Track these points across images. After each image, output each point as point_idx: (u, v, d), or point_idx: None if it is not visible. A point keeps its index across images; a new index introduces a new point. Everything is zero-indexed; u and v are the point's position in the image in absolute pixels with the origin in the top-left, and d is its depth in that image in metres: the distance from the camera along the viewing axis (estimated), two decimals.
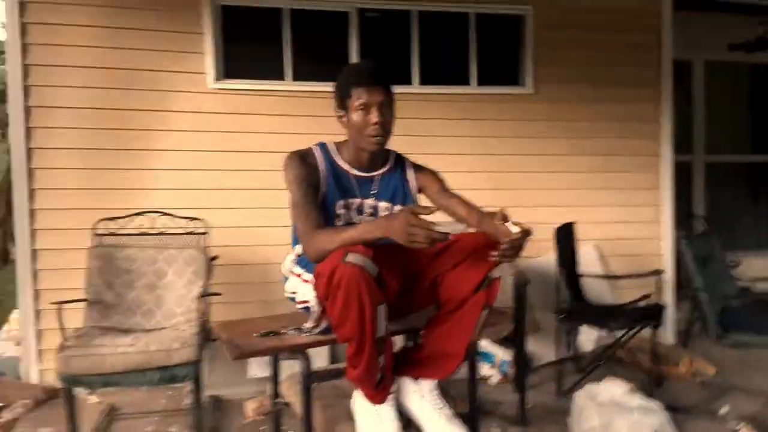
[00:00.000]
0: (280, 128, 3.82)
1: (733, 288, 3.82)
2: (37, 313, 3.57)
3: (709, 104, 5.35)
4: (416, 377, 2.01)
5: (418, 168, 2.25)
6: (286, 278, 2.15)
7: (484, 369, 3.76)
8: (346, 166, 2.11)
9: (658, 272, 3.60)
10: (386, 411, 1.93)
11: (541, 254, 3.98)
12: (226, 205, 3.75)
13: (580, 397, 2.87)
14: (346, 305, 1.72)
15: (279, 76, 3.89)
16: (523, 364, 3.19)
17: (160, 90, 3.74)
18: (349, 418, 2.00)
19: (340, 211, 2.08)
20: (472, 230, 2.06)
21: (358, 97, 1.99)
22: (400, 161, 2.24)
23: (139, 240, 3.32)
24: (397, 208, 2.16)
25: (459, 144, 4.05)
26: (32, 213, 3.59)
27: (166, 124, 3.74)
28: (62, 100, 3.63)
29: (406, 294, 2.03)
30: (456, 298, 1.96)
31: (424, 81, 4.04)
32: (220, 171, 3.76)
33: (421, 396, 2.00)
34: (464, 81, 4.09)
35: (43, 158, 3.61)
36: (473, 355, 2.14)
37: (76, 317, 3.07)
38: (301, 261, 2.07)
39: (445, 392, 2.18)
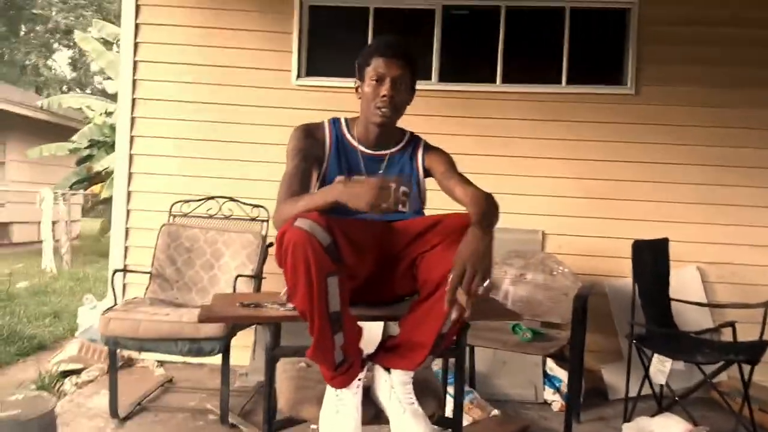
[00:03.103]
0: None
1: None
2: (124, 287, 3.88)
3: None
4: (387, 366, 1.85)
5: (429, 149, 2.11)
6: None
7: (547, 393, 3.41)
8: (354, 142, 2.04)
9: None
10: (348, 397, 1.79)
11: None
12: None
13: (629, 429, 2.47)
14: (294, 271, 1.63)
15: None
16: (575, 387, 2.83)
17: (250, 86, 3.93)
18: (320, 403, 1.88)
19: None
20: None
21: (375, 67, 1.93)
22: (413, 141, 2.11)
23: (205, 222, 3.49)
24: (403, 189, 2.04)
25: (542, 147, 3.77)
26: (129, 195, 3.94)
27: (252, 118, 3.91)
28: (163, 93, 3.96)
29: (387, 277, 1.89)
30: (431, 281, 1.78)
31: (506, 79, 3.81)
32: None
33: (390, 387, 1.83)
34: (552, 80, 3.79)
35: (142, 145, 3.95)
36: (459, 347, 1.92)
37: None
38: None
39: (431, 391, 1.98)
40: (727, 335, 3.05)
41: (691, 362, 2.80)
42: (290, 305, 1.98)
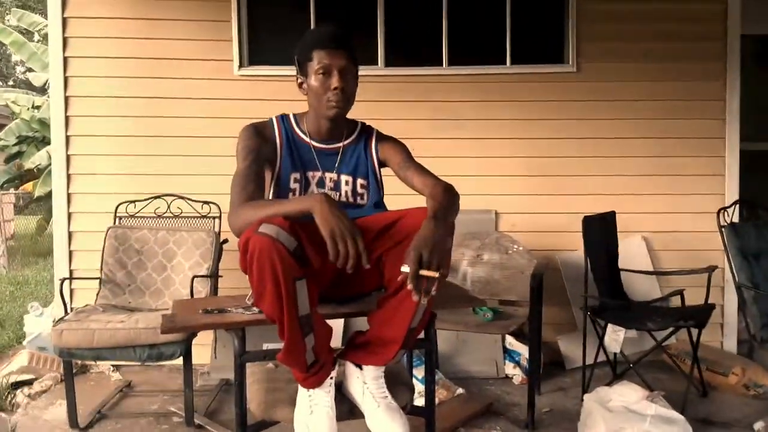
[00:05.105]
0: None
1: None
2: (71, 292, 3.74)
3: None
4: (358, 363, 1.86)
5: (383, 138, 2.09)
6: None
7: (508, 368, 3.50)
8: (306, 138, 2.00)
9: (711, 268, 3.17)
10: (320, 397, 1.79)
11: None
12: None
13: (589, 400, 2.57)
14: (261, 278, 1.60)
15: None
16: (535, 362, 2.92)
17: (190, 78, 3.80)
18: (292, 403, 1.88)
19: (294, 185, 1.97)
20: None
21: (319, 60, 1.88)
22: (365, 132, 2.09)
23: (153, 222, 3.39)
24: (360, 181, 2.03)
25: (491, 127, 3.81)
26: (69, 197, 3.78)
27: (195, 111, 3.80)
28: (98, 89, 3.78)
29: (353, 275, 1.87)
30: (396, 278, 1.78)
31: (453, 62, 3.81)
32: None
33: (363, 382, 1.84)
34: (497, 60, 3.82)
35: (79, 145, 3.78)
36: (430, 340, 1.95)
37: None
38: None
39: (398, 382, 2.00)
40: (674, 300, 3.20)
41: (643, 330, 2.93)
42: (255, 309, 1.96)
